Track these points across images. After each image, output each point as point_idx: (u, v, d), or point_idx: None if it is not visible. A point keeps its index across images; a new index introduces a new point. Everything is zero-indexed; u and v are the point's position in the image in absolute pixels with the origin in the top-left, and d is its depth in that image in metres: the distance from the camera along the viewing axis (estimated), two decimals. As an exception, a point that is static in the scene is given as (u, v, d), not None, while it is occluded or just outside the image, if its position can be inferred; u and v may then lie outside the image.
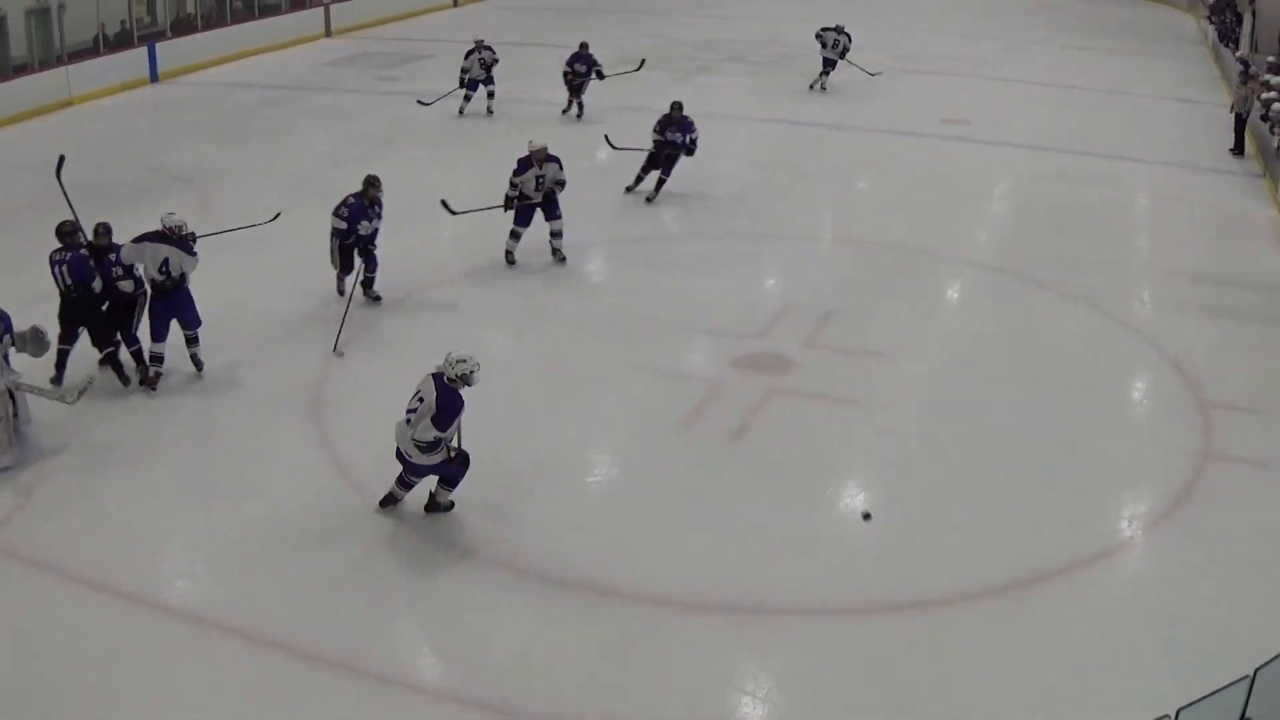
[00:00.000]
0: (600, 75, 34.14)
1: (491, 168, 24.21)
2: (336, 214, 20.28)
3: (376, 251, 20.61)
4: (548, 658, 12.52)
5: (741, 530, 14.77)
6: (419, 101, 34.25)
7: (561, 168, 22.63)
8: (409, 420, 14.26)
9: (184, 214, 17.93)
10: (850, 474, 16.45)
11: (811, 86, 39.24)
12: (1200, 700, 7.10)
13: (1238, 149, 33.80)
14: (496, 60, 35.09)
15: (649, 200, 26.33)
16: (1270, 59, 38.06)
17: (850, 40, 38.86)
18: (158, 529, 14.54)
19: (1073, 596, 13.85)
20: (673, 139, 26.76)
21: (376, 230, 20.48)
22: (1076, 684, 12.35)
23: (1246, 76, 35.07)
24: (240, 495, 15.23)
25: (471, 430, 14.82)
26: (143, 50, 39.17)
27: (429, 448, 14.31)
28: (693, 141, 26.73)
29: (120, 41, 39.25)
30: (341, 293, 20.45)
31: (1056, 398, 18.45)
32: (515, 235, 22.74)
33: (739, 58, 45.61)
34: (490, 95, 34.76)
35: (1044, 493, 15.82)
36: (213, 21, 43.60)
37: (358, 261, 20.48)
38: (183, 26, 42.81)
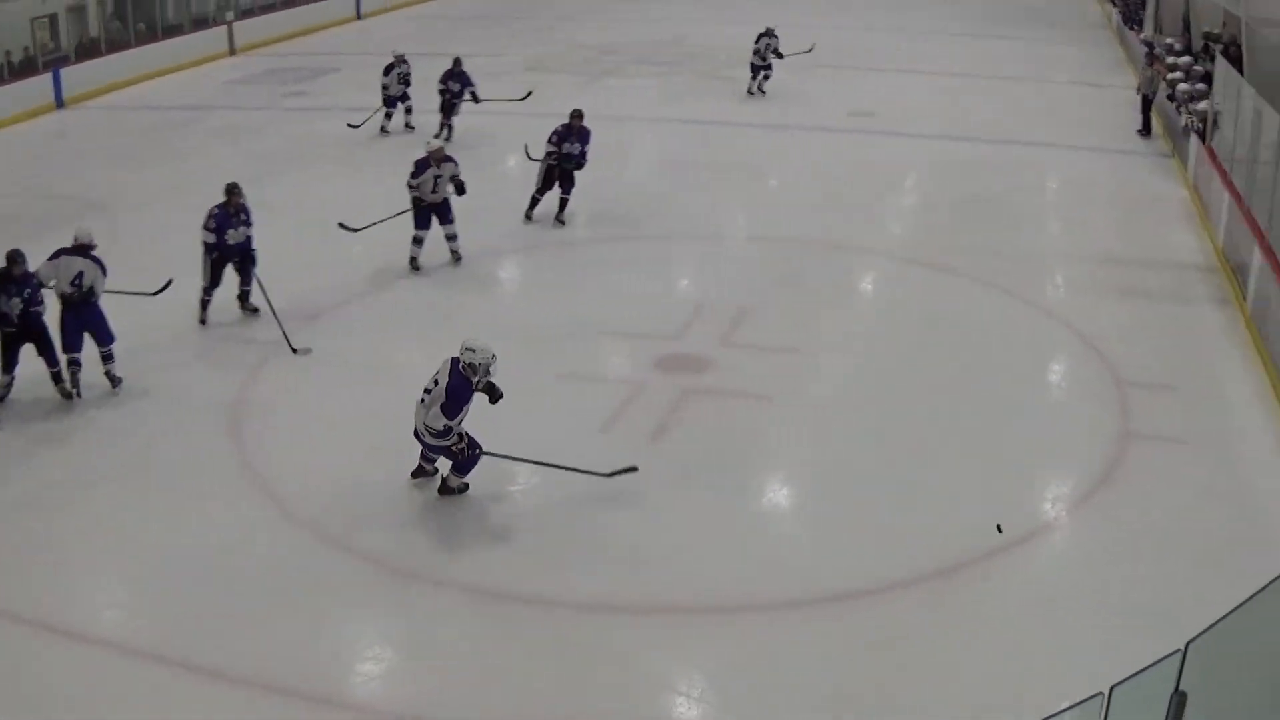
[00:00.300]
0: (475, 98, 32.46)
1: (402, 180, 24.08)
2: (205, 226, 19.98)
3: (255, 266, 20.41)
4: (478, 669, 12.32)
5: (666, 530, 14.63)
6: (349, 125, 33.94)
7: (458, 166, 22.55)
8: (423, 401, 14.58)
9: (97, 240, 17.76)
10: (772, 470, 16.36)
11: (750, 92, 38.55)
12: (1133, 676, 7.03)
13: (1145, 130, 34.01)
14: (409, 73, 34.93)
15: (559, 223, 25.46)
16: (1168, 41, 38.32)
17: (777, 39, 38.53)
18: (83, 559, 14.22)
19: (1001, 580, 13.82)
20: (570, 151, 25.41)
21: (249, 239, 20.22)
22: (1009, 666, 12.33)
23: (1152, 58, 35.30)
24: (166, 523, 14.88)
25: (395, 443, 14.70)
26: (47, 76, 38.50)
27: (440, 434, 14.47)
28: (584, 154, 25.51)
29: (24, 68, 38.77)
30: (204, 313, 20.32)
31: (975, 384, 18.43)
32: (418, 241, 22.64)
33: (645, 59, 45.49)
34: (408, 111, 34.47)
35: (967, 479, 15.78)
36: (117, 44, 43.08)
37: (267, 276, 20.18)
38: (86, 50, 42.24)
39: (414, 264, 22.70)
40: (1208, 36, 35.62)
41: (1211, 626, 7.47)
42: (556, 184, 25.39)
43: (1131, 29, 48.04)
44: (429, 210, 22.67)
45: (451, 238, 22.97)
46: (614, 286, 21.76)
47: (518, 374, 18.09)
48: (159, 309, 19.40)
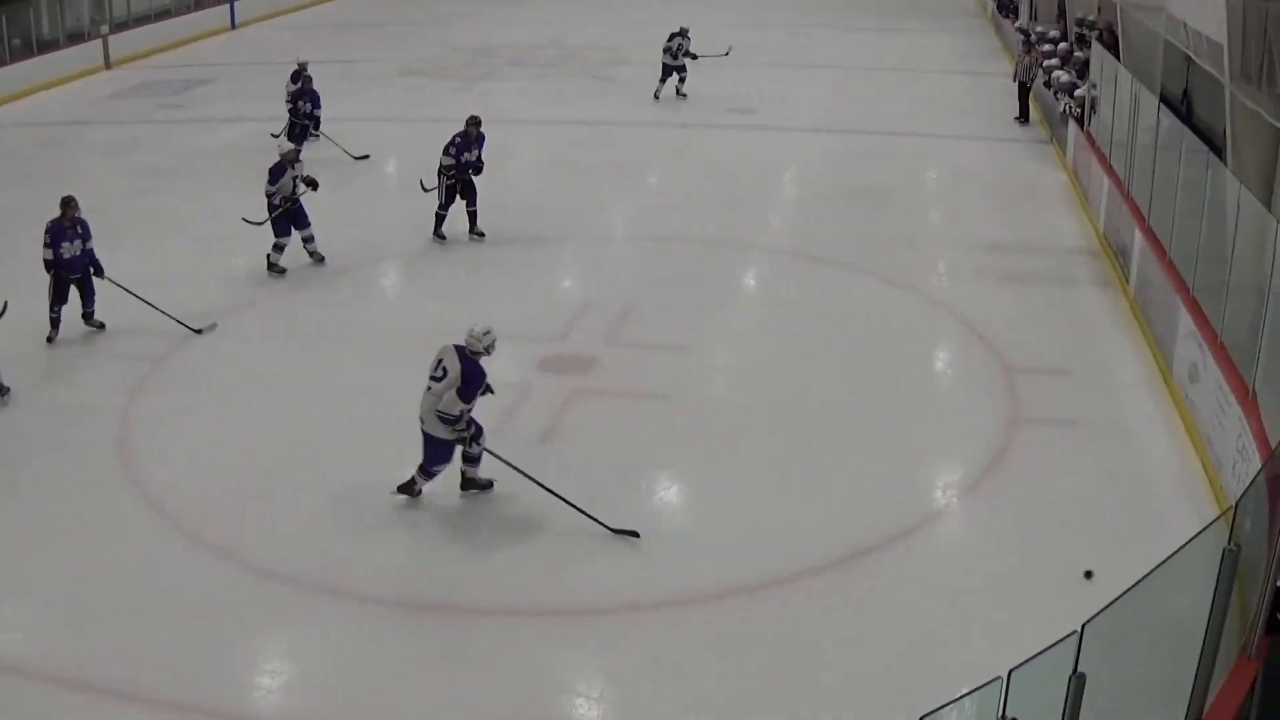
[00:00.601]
0: (316, 124, 30.94)
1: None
2: (44, 244, 19.70)
3: (99, 278, 20.13)
4: (378, 677, 12.13)
5: (558, 532, 14.48)
6: (271, 134, 33.61)
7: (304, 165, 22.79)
8: (430, 389, 14.71)
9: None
10: (664, 468, 16.22)
11: (656, 96, 37.57)
12: (1031, 659, 7.00)
13: (1023, 117, 34.25)
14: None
15: (477, 236, 24.76)
16: (1040, 29, 38.62)
17: (689, 39, 37.72)
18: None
19: (899, 568, 13.82)
20: (469, 159, 24.51)
21: (89, 252, 19.95)
22: (908, 654, 12.31)
23: (1029, 46, 35.53)
24: (57, 542, 14.59)
25: (283, 451, 14.53)
26: (-79, 94, 38.19)
27: (453, 420, 14.54)
28: (480, 160, 24.79)
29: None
30: (54, 331, 19.93)
31: (864, 375, 18.44)
32: (279, 248, 22.53)
33: (521, 62, 45.33)
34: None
35: (860, 469, 15.80)
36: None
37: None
38: (-40, 68, 41.85)
39: (276, 269, 22.67)
40: (1080, 23, 35.91)
41: (1106, 608, 7.46)
42: (459, 197, 24.69)
43: (1007, 17, 48.39)
44: (289, 217, 22.62)
45: (309, 240, 22.98)
46: (497, 289, 21.59)
47: (403, 380, 17.96)
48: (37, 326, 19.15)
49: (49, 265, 19.70)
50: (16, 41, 43.08)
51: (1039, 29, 38.63)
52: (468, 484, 15.26)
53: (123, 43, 46.92)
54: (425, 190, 24.66)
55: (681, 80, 37.37)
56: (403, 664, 12.35)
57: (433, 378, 14.77)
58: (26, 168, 31.56)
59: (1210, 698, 9.16)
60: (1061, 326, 20.04)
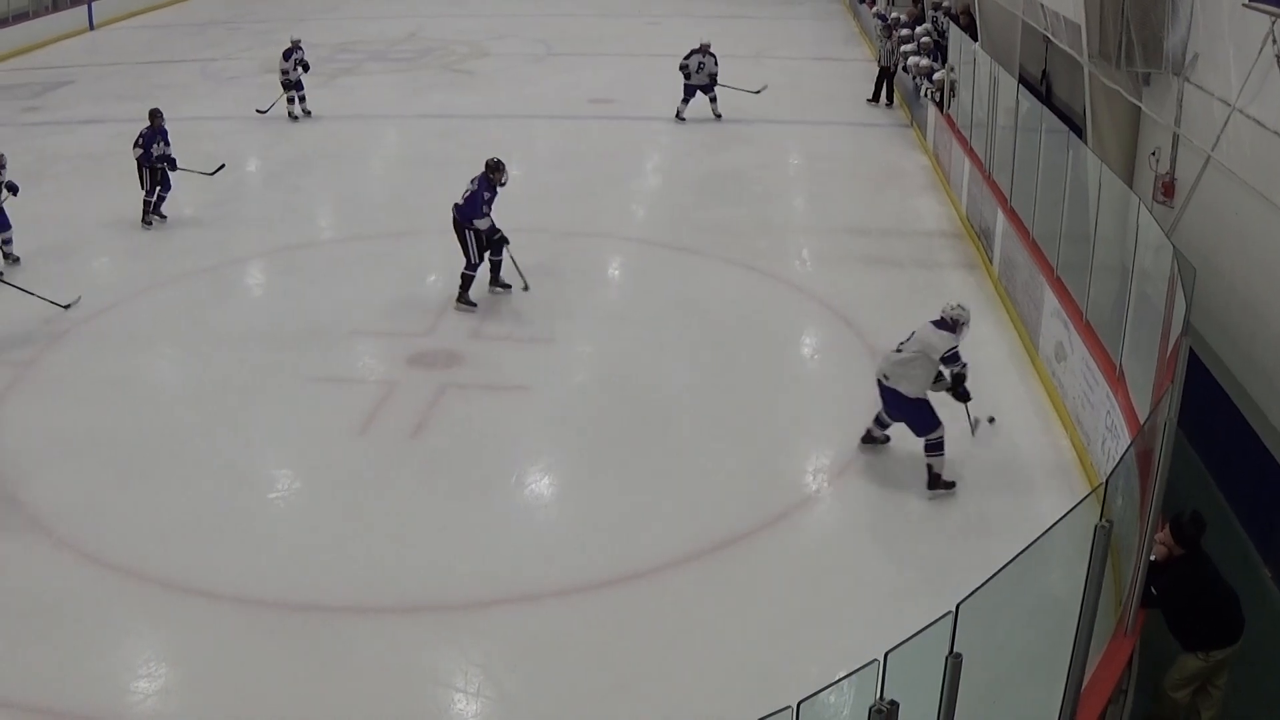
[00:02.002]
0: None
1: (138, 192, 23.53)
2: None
3: None
4: (252, 679, 11.96)
5: (432, 527, 14.42)
6: (258, 110, 34.36)
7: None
8: (899, 351, 15.13)
9: None
10: (532, 459, 16.11)
11: (680, 118, 33.27)
12: (907, 641, 6.96)
13: (875, 99, 34.56)
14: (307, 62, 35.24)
15: (151, 222, 24.75)
16: (900, 15, 38.83)
17: (717, 62, 33.29)
18: None
19: (771, 554, 13.84)
20: (160, 151, 25.11)
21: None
22: (784, 640, 12.30)
23: (889, 30, 35.71)
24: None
25: (149, 455, 14.41)
26: None
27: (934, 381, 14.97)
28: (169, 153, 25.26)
29: None
30: None
31: (730, 362, 18.44)
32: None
33: (380, 56, 45.06)
34: (303, 98, 34.81)
35: (729, 456, 15.81)
36: None
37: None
38: None
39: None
40: (936, 6, 36.16)
41: (980, 588, 7.45)
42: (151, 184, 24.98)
43: (863, 3, 48.64)
44: None
45: (6, 242, 23.15)
46: (360, 286, 21.35)
47: (267, 379, 17.86)
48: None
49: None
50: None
51: (896, 15, 38.82)
52: (934, 484, 14.99)
53: (-21, 45, 46.29)
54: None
55: (713, 99, 33.20)
56: (280, 665, 12.21)
57: (901, 344, 15.33)
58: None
59: (1088, 673, 9.19)
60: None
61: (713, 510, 14.48)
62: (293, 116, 33.14)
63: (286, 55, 34.23)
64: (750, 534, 14.00)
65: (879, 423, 15.60)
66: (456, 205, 20.75)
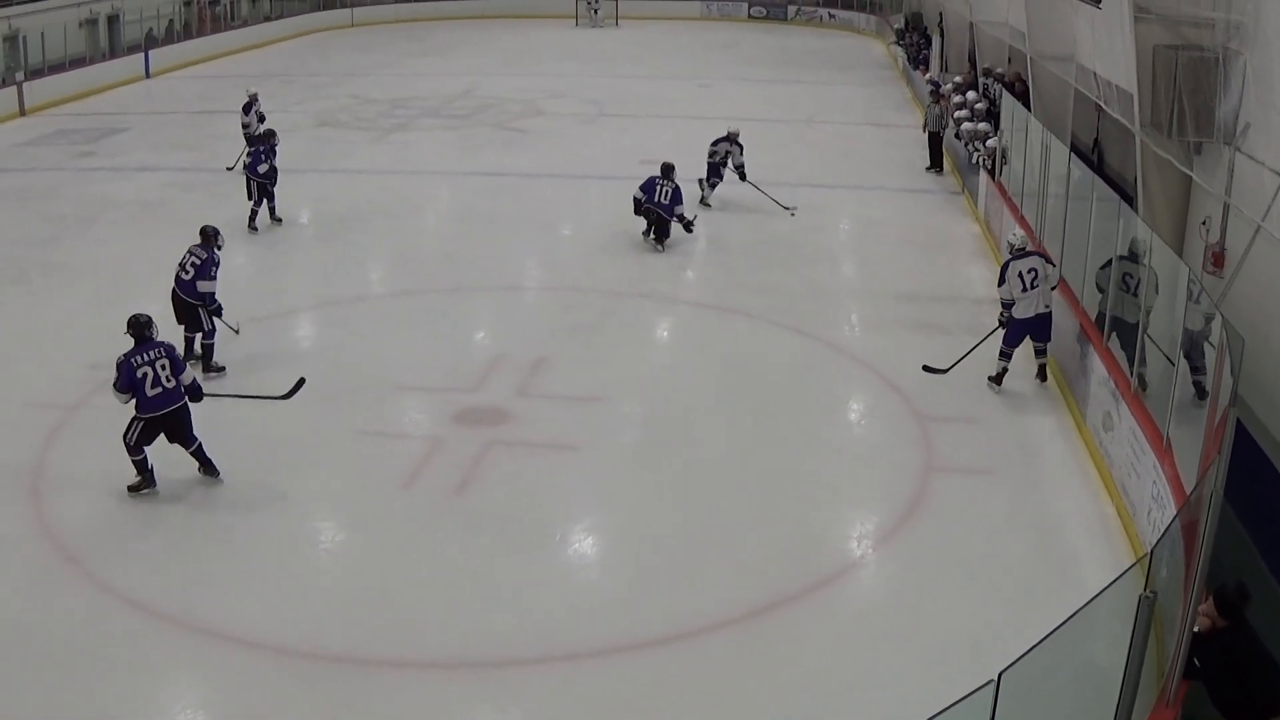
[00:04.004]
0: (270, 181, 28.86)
1: (194, 233, 23.61)
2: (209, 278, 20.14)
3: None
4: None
5: (474, 584, 14.36)
6: (227, 168, 34.17)
7: None
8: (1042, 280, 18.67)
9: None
10: (576, 518, 16.06)
11: (706, 204, 31.47)
12: (949, 709, 6.94)
13: (934, 166, 34.45)
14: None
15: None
16: (957, 79, 38.82)
17: (743, 151, 31.78)
18: None
19: (813, 618, 13.72)
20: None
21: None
22: (824, 705, 12.20)
23: (938, 96, 35.72)
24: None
25: (190, 498, 14.47)
26: None
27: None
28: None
29: None
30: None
31: (777, 426, 18.37)
32: None
33: (434, 113, 45.34)
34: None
35: (775, 519, 15.68)
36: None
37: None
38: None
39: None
40: (987, 73, 36.16)
41: (1023, 656, 7.41)
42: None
43: (917, 69, 48.71)
44: None
45: None
46: (409, 341, 21.39)
47: (315, 431, 17.89)
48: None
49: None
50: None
51: (956, 79, 38.84)
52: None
53: (38, 90, 46.71)
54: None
55: (712, 186, 31.80)
56: (317, 717, 12.20)
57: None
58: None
59: (1128, 745, 9.13)
60: (974, 376, 20.03)
61: (755, 574, 14.37)
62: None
63: (246, 109, 34.65)
64: (792, 599, 13.91)
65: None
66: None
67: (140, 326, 16.50)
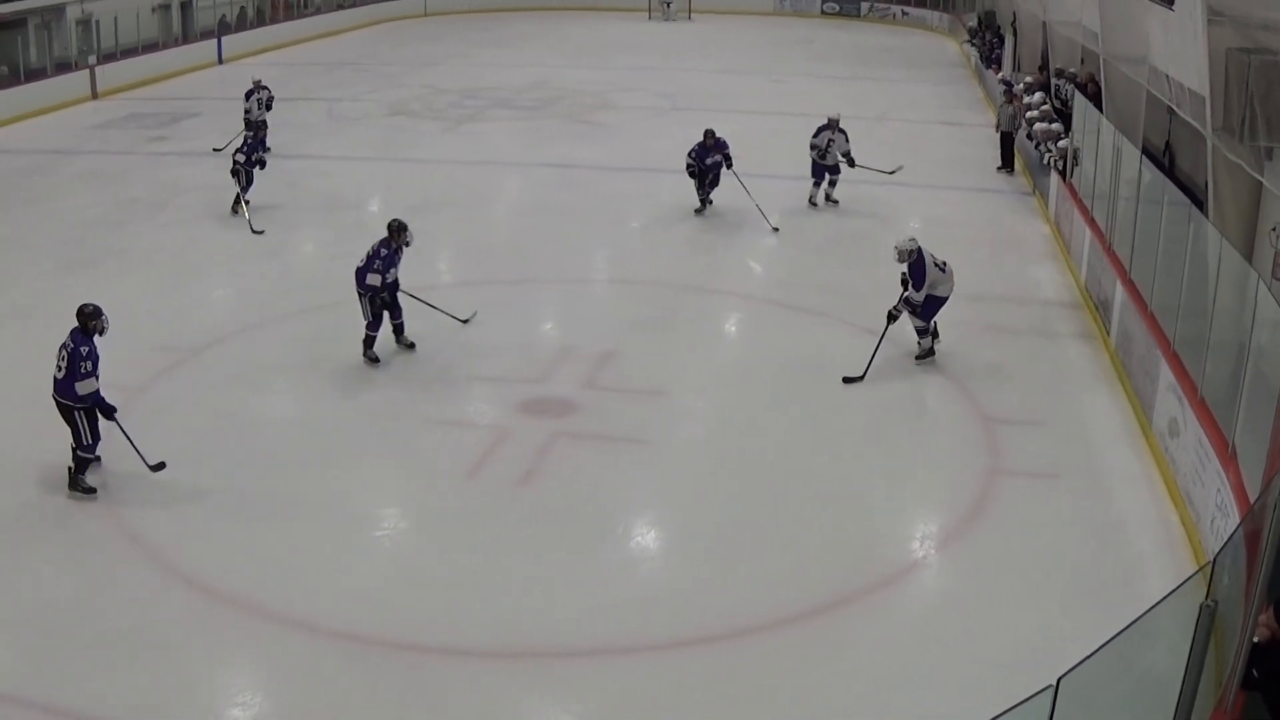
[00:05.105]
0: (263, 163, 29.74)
1: (265, 218, 23.83)
2: (371, 269, 20.09)
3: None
4: (345, 712, 12.13)
5: (535, 574, 14.49)
6: (214, 149, 34.26)
7: None
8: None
9: None
10: (639, 511, 16.19)
11: (812, 202, 31.12)
12: (1005, 713, 6.95)
13: (1006, 167, 34.31)
14: (273, 98, 35.51)
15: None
16: (1029, 79, 38.64)
17: (848, 139, 30.84)
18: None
19: (872, 618, 13.74)
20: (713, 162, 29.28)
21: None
22: (882, 705, 12.22)
23: (1011, 96, 35.56)
24: (30, 566, 14.71)
25: (260, 486, 15.40)
26: (-91, 119, 38.30)
27: None
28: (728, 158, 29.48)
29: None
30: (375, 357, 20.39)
31: (842, 424, 18.40)
32: None
33: (506, 104, 45.48)
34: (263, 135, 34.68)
35: (837, 518, 15.71)
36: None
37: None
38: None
39: None
40: (1059, 74, 35.97)
41: (1082, 662, 7.42)
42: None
43: (990, 68, 48.51)
44: None
45: None
46: (479, 331, 21.47)
47: (381, 418, 18.03)
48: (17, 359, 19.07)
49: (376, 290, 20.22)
50: (3, 69, 43.34)
51: (1028, 79, 38.65)
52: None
53: (110, 74, 47.15)
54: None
55: (832, 184, 31.08)
56: (374, 702, 12.31)
57: None
58: (6, 194, 31.59)
59: (1186, 754, 9.12)
60: (1042, 378, 20.00)
61: (816, 573, 14.41)
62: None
63: (248, 95, 35.03)
64: (853, 598, 13.93)
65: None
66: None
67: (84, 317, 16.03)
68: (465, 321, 21.27)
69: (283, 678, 12.84)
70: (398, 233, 20.29)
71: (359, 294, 20.10)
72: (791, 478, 16.83)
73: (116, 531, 15.29)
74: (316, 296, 23.25)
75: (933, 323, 20.38)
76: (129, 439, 16.35)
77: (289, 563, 14.65)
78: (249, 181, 28.90)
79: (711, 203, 29.47)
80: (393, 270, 20.16)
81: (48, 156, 36.54)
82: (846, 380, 19.58)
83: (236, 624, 13.55)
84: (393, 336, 20.62)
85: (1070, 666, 7.30)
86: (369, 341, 20.28)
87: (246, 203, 28.64)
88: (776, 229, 27.87)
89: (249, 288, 24.16)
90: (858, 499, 16.24)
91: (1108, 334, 21.17)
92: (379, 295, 20.12)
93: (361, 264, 20.08)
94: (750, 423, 18.53)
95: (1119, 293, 20.52)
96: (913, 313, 20.20)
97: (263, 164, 29.00)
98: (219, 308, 23.29)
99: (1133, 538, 15.43)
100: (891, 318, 20.21)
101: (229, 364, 20.50)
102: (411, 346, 20.67)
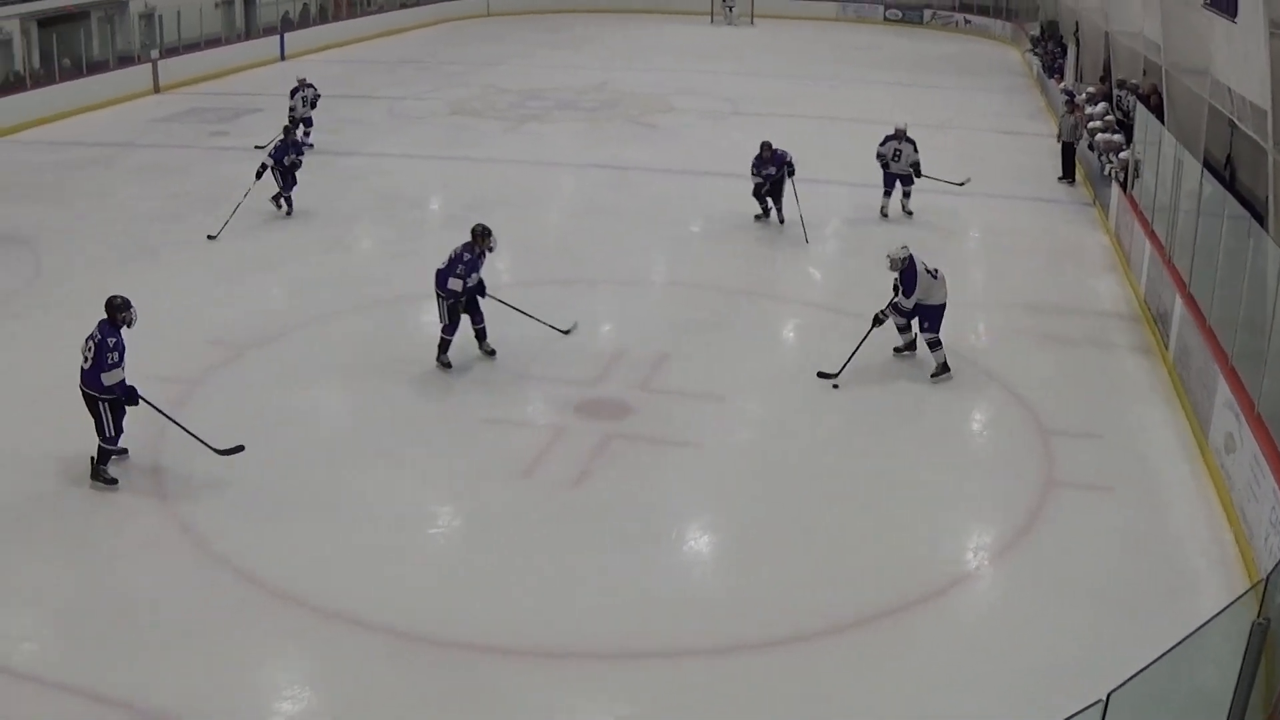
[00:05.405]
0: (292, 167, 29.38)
1: (325, 214, 23.92)
2: (454, 274, 19.87)
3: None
4: (392, 708, 12.22)
5: (587, 575, 14.55)
6: (256, 145, 34.20)
7: None
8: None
9: (18, 274, 17.47)
10: (692, 515, 16.21)
11: (883, 213, 30.67)
12: (1055, 727, 6.98)
13: (1067, 176, 34.17)
14: (319, 95, 35.89)
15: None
16: (1091, 89, 38.50)
17: (916, 148, 30.53)
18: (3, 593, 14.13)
19: (924, 627, 13.74)
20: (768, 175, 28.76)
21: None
22: (930, 713, 12.21)
23: (1072, 106, 35.43)
24: (84, 557, 14.89)
25: (318, 481, 15.65)
26: (-31, 109, 38.56)
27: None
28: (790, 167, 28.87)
29: (-54, 100, 38.81)
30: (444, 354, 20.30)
31: (897, 432, 18.40)
32: None
33: (568, 105, 45.54)
34: (307, 133, 35.13)
35: (891, 527, 15.70)
36: (40, 79, 42.97)
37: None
38: (11, 85, 42.24)
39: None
40: (1121, 84, 35.83)
41: (1133, 677, 7.42)
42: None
43: (1052, 78, 48.33)
44: None
45: None
46: (535, 332, 21.45)
47: (437, 415, 18.10)
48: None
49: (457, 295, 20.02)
50: (66, 61, 43.63)
51: (1090, 89, 38.49)
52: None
53: (172, 68, 47.49)
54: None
55: (906, 194, 30.69)
56: (422, 698, 12.41)
57: None
58: (67, 186, 31.87)
59: (1235, 771, 9.09)
60: (1099, 390, 19.93)
61: (868, 580, 14.42)
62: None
63: (293, 93, 35.61)
64: (904, 607, 13.92)
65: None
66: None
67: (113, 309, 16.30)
68: (566, 333, 21.01)
69: (331, 672, 12.93)
70: (481, 238, 20.03)
71: (437, 296, 20.01)
72: (845, 484, 16.85)
73: (169, 524, 15.43)
74: (375, 293, 23.39)
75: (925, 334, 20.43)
76: (184, 428, 16.68)
77: (340, 558, 14.76)
78: (290, 182, 29.01)
79: (775, 211, 29.12)
80: (474, 275, 20.00)
81: (109, 149, 36.81)
82: (822, 375, 20.00)
83: (286, 617, 13.66)
84: (474, 340, 20.56)
85: (1121, 681, 7.30)
86: (444, 346, 20.16)
87: (287, 200, 28.98)
88: (807, 241, 27.73)
89: (307, 283, 24.28)
90: (912, 508, 16.21)
91: (1166, 347, 21.08)
92: (459, 299, 20.00)
93: (442, 267, 19.89)
94: (805, 428, 18.55)
95: (1178, 306, 20.43)
96: (901, 316, 20.40)
97: (297, 165, 28.88)
98: (276, 303, 23.46)
99: (1186, 553, 15.37)
100: (878, 321, 20.26)
101: (285, 359, 20.65)
102: (492, 353, 20.59)
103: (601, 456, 17.37)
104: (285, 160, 28.67)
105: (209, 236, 26.91)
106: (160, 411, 16.66)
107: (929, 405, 19.30)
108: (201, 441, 16.52)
